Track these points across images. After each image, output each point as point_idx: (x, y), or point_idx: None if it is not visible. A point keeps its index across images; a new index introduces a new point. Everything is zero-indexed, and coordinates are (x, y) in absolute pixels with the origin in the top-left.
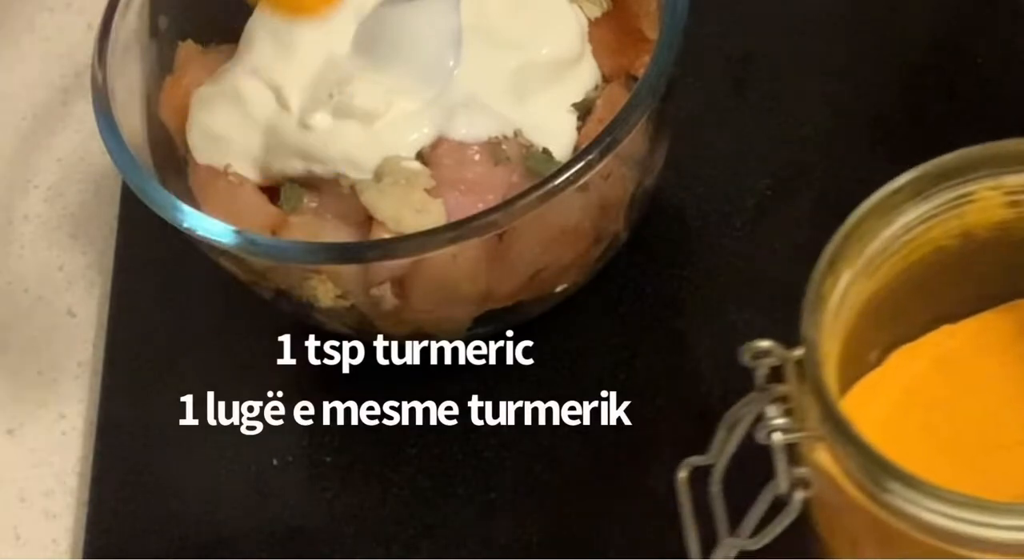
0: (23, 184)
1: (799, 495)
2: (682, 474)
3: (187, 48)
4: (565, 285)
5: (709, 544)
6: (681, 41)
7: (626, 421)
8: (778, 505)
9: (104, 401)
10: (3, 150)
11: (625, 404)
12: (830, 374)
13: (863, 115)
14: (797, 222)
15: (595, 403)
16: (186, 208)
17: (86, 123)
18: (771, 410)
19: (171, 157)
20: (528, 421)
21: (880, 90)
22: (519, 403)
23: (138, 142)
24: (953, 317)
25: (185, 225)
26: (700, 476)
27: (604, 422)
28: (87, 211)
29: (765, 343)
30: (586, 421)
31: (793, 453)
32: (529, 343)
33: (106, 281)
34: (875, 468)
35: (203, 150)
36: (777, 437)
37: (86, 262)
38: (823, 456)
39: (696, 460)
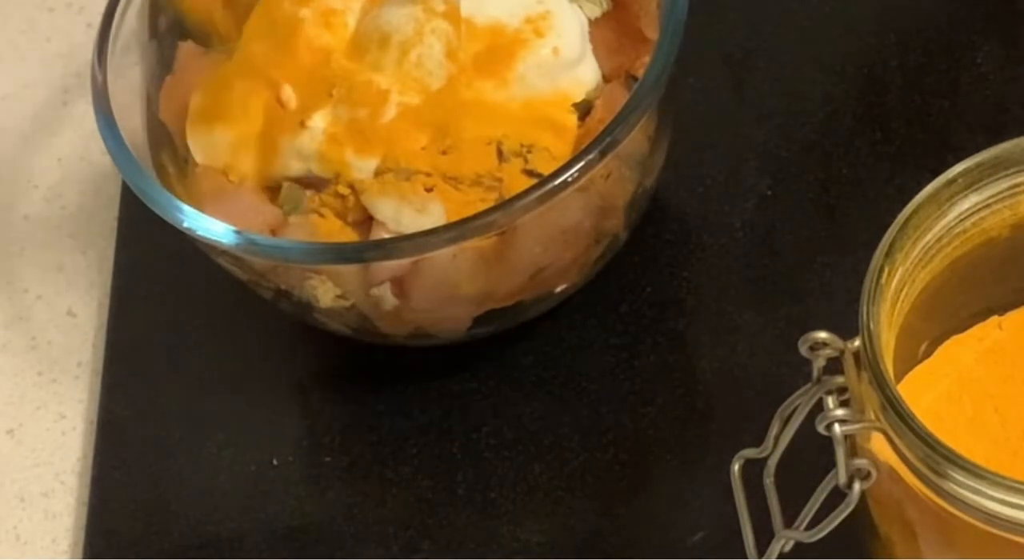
0: (23, 184)
1: (858, 486)
2: (735, 467)
3: (187, 48)
4: (565, 285)
5: (759, 537)
6: (681, 41)
7: (626, 421)
8: (829, 499)
9: (104, 401)
10: (3, 150)
11: (625, 404)
12: (888, 365)
13: (863, 115)
14: (797, 222)
15: (595, 403)
16: (186, 208)
17: (86, 123)
18: (830, 401)
19: (171, 157)
20: (529, 421)
21: (880, 90)
22: (519, 403)
23: (138, 142)
24: (1002, 308)
25: (185, 225)
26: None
27: (604, 422)
28: (87, 211)
29: (823, 334)
30: (586, 421)
31: (850, 444)
32: (529, 343)
33: (106, 281)
34: (937, 457)
35: (203, 150)
36: (838, 428)
37: (86, 262)
38: (880, 447)
39: (749, 453)
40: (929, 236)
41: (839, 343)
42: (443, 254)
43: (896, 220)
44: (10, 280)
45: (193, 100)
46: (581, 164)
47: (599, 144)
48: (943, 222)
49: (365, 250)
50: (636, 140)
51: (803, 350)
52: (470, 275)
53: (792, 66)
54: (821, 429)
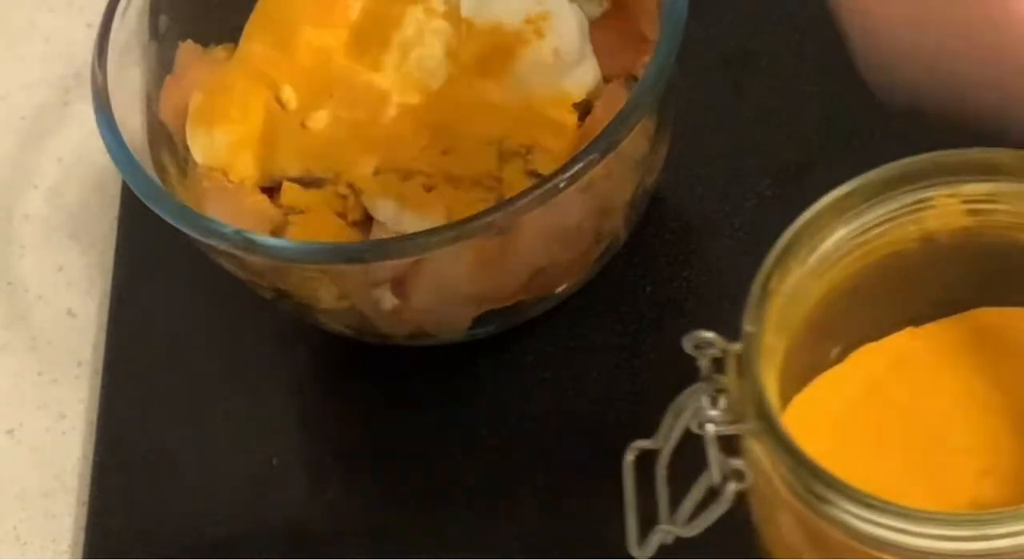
0: (23, 184)
1: (732, 487)
2: (629, 457)
3: (187, 48)
4: (565, 285)
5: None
6: (681, 41)
7: (626, 421)
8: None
9: (104, 401)
10: (3, 150)
11: (625, 404)
12: (771, 369)
13: (863, 115)
14: None
15: (595, 403)
16: (186, 208)
17: (86, 123)
18: (705, 401)
19: (171, 157)
20: (529, 421)
21: None
22: (519, 403)
23: (138, 142)
24: (918, 320)
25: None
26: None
27: (604, 422)
28: (87, 211)
29: (708, 334)
30: (586, 421)
31: (734, 444)
32: (529, 343)
33: (106, 281)
34: (800, 468)
35: (203, 150)
36: (709, 428)
37: (86, 262)
38: (759, 449)
39: (643, 444)
40: (828, 245)
41: (723, 344)
42: (443, 254)
43: (789, 229)
44: (10, 280)
45: (193, 100)
46: (581, 164)
47: (599, 144)
48: (843, 232)
49: (365, 250)
50: (636, 140)
51: (687, 347)
52: (470, 275)
53: (792, 66)
54: (694, 427)
